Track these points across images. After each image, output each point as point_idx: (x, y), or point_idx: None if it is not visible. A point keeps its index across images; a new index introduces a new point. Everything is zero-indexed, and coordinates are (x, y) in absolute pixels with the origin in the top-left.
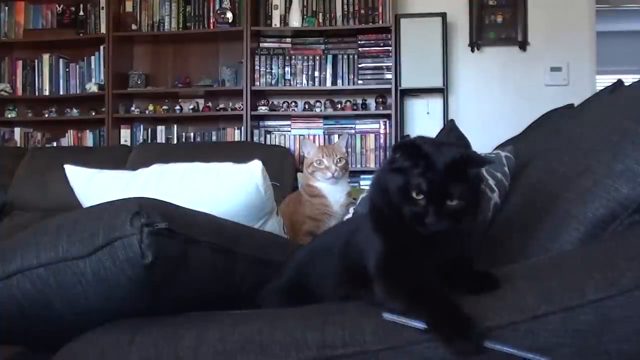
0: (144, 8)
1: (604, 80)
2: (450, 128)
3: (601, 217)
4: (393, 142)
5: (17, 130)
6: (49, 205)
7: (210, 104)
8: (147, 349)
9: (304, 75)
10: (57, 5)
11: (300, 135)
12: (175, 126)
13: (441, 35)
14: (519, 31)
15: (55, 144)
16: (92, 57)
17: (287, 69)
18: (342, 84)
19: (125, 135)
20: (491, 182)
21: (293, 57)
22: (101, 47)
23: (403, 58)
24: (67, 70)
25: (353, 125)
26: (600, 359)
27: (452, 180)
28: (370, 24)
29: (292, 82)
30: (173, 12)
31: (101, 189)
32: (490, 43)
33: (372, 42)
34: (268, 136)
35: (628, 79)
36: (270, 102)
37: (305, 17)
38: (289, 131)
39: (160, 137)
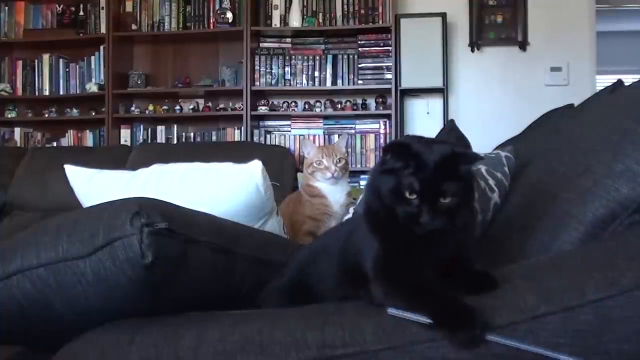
0: (144, 8)
1: (604, 80)
2: (450, 128)
3: (601, 217)
4: None
5: (17, 130)
6: (49, 205)
7: (210, 104)
8: (147, 349)
9: (304, 75)
10: (57, 5)
11: (300, 135)
12: (175, 126)
13: (441, 35)
14: (519, 31)
15: (55, 144)
16: (92, 57)
17: (287, 69)
18: (342, 84)
19: (125, 135)
20: (491, 182)
21: (293, 57)
22: (101, 47)
23: (403, 58)
24: (67, 70)
25: (353, 125)
26: (600, 359)
27: (444, 178)
28: (370, 24)
29: (292, 82)
30: (173, 12)
31: (101, 189)
32: (490, 43)
33: (372, 42)
34: (268, 136)
35: (628, 79)
36: (270, 102)
37: (305, 17)
38: (289, 131)
39: (160, 137)
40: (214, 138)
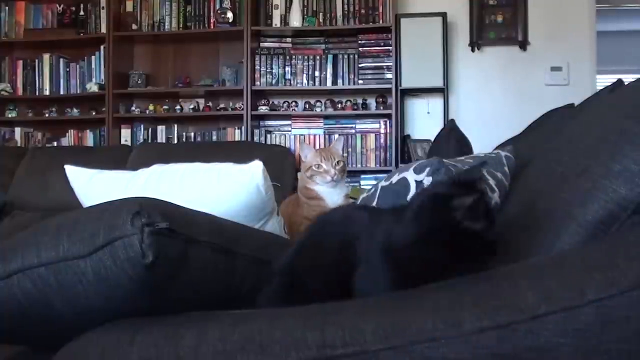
0: (145, 8)
1: (604, 80)
2: (450, 128)
3: (600, 219)
4: (393, 142)
5: (17, 130)
6: (49, 205)
7: (210, 103)
8: (147, 349)
9: (305, 75)
10: (57, 5)
11: (300, 135)
12: (175, 126)
13: (441, 35)
14: (519, 31)
15: (55, 143)
16: (93, 57)
17: (288, 68)
18: (343, 84)
19: (125, 135)
20: (491, 182)
21: (293, 56)
22: (101, 47)
23: (403, 58)
24: (68, 70)
25: (353, 125)
26: (600, 359)
27: None
28: (371, 23)
29: (292, 82)
30: (173, 12)
31: (101, 189)
32: (491, 43)
33: (373, 41)
34: (268, 136)
35: (628, 79)
36: (270, 102)
37: (305, 16)
38: (290, 131)
39: (161, 137)
40: (214, 138)
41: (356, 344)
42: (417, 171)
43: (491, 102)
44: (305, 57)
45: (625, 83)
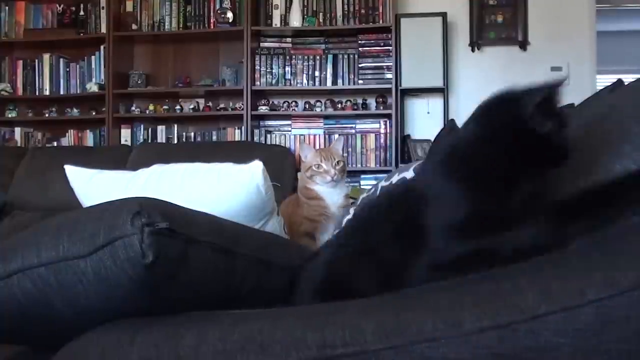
0: (144, 8)
1: (604, 80)
2: (450, 128)
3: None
4: (393, 142)
5: (17, 130)
6: (49, 205)
7: (210, 103)
8: (147, 349)
9: (305, 75)
10: (57, 5)
11: (300, 135)
12: (175, 126)
13: (441, 35)
14: (519, 31)
15: (55, 143)
16: (93, 57)
17: (288, 68)
18: (343, 84)
19: (125, 135)
20: None
21: (293, 56)
22: (101, 47)
23: (403, 58)
24: (68, 70)
25: (353, 125)
26: (600, 359)
27: None
28: (371, 23)
29: (292, 82)
30: (173, 12)
31: (101, 190)
32: (491, 43)
33: (373, 41)
34: (268, 136)
35: (628, 79)
36: (270, 102)
37: (305, 16)
38: (290, 131)
39: (161, 137)
40: (214, 138)
41: (356, 343)
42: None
43: None
44: (305, 57)
45: (625, 83)
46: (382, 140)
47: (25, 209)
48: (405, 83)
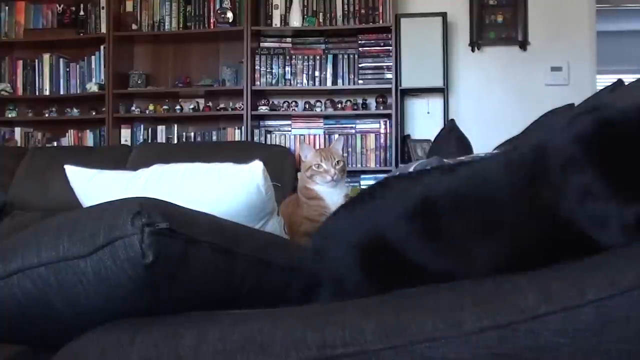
0: (144, 8)
1: (605, 80)
2: (450, 128)
3: None
4: (393, 142)
5: (17, 130)
6: (49, 205)
7: (210, 103)
8: (147, 349)
9: (304, 75)
10: (57, 5)
11: (300, 135)
12: (175, 126)
13: (441, 35)
14: (519, 31)
15: (55, 143)
16: (93, 57)
17: (288, 68)
18: (343, 84)
19: (125, 135)
20: None
21: (293, 56)
22: (101, 47)
23: (403, 58)
24: (68, 70)
25: (353, 125)
26: (600, 359)
27: None
28: (371, 23)
29: (292, 82)
30: (173, 12)
31: (101, 190)
32: (491, 43)
33: (373, 41)
34: (268, 136)
35: (628, 79)
36: (270, 102)
37: (305, 16)
38: (290, 131)
39: (161, 137)
40: (214, 138)
41: (356, 343)
42: None
43: (491, 102)
44: (305, 57)
45: (625, 83)
46: (382, 140)
47: (25, 209)
48: (405, 83)
